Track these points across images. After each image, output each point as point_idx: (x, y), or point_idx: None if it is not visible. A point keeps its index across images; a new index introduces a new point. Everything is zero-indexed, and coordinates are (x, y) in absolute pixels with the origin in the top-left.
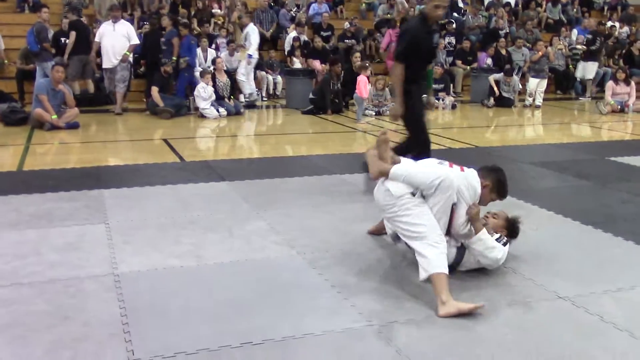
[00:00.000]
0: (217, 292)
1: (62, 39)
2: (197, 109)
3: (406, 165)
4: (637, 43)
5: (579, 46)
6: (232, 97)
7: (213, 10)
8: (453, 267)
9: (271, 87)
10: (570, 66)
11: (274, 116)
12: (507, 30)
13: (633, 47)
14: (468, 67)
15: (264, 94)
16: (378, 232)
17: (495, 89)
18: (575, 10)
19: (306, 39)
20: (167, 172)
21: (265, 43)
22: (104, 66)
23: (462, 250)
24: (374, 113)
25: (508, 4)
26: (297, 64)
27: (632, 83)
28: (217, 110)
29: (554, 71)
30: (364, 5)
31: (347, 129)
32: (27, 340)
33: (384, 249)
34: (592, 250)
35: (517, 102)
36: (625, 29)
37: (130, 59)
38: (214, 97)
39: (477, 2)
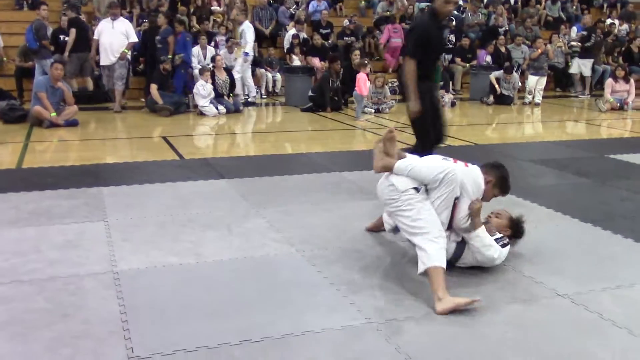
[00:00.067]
0: (216, 290)
1: (61, 37)
2: (196, 106)
3: (411, 160)
4: (636, 40)
5: (572, 43)
6: (231, 94)
7: (212, 8)
8: (452, 262)
9: (270, 85)
10: (570, 63)
11: (273, 114)
12: (507, 28)
13: (632, 45)
14: (467, 65)
15: (263, 92)
16: (376, 228)
17: (497, 86)
18: (574, 7)
19: (305, 36)
20: (166, 169)
21: (265, 40)
22: (101, 63)
23: (462, 245)
24: (373, 111)
25: (507, 1)
26: (297, 61)
27: (632, 80)
28: (216, 108)
29: (553, 69)
30: (363, 2)
31: (347, 127)
32: (26, 337)
33: (383, 246)
34: (591, 247)
35: (516, 100)
36: (625, 26)
37: (129, 56)
38: (213, 94)
39: None
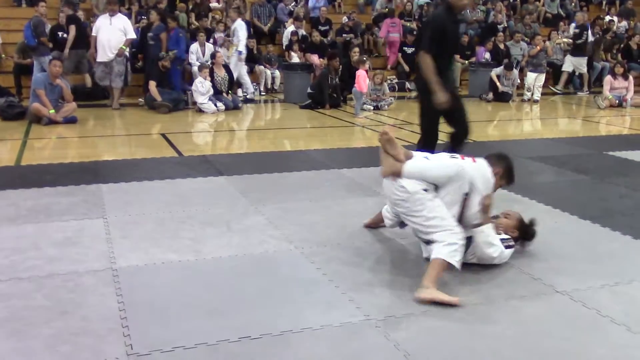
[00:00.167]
0: (215, 287)
1: (60, 33)
2: (195, 103)
3: (419, 162)
4: (635, 37)
5: (564, 40)
6: (230, 91)
7: (211, 5)
8: None
9: (269, 82)
10: None
11: (272, 111)
12: (506, 25)
13: (631, 42)
14: (466, 62)
15: (262, 89)
16: (375, 224)
17: (498, 83)
18: (573, 4)
19: (304, 33)
20: (165, 166)
21: (263, 37)
22: (98, 59)
23: (467, 242)
24: (372, 107)
25: None
26: (295, 58)
27: (630, 77)
28: (215, 105)
29: (552, 66)
30: None
31: (346, 124)
32: (25, 334)
33: (382, 243)
34: (590, 244)
35: (515, 97)
36: (624, 23)
37: (127, 53)
38: (212, 91)
39: None
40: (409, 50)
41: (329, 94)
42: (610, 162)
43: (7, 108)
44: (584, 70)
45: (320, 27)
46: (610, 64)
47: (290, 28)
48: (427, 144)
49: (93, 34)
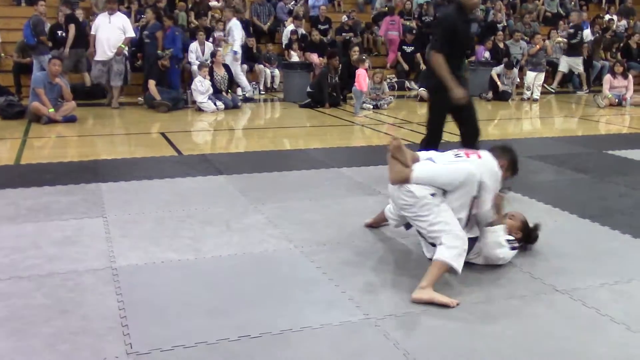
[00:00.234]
0: (215, 286)
1: (59, 32)
2: (194, 102)
3: (427, 167)
4: (634, 36)
5: (559, 39)
6: (229, 90)
7: (210, 4)
8: None
9: (269, 81)
10: None
11: (271, 110)
12: (505, 24)
13: (631, 41)
14: (466, 61)
15: (261, 87)
16: (376, 224)
17: (498, 82)
18: (573, 3)
19: (304, 32)
20: (165, 165)
21: (263, 36)
22: (97, 58)
23: (472, 241)
24: (371, 106)
25: None
26: (295, 57)
27: (630, 76)
28: (215, 104)
29: (551, 65)
30: None
31: (345, 123)
32: (25, 333)
33: (382, 242)
34: (589, 243)
35: (514, 96)
36: (623, 22)
37: (126, 52)
38: (211, 90)
39: None
40: (409, 49)
41: (328, 93)
42: (610, 161)
43: (7, 107)
44: (580, 69)
45: (319, 26)
46: (609, 62)
47: (290, 27)
48: (431, 143)
49: (92, 32)
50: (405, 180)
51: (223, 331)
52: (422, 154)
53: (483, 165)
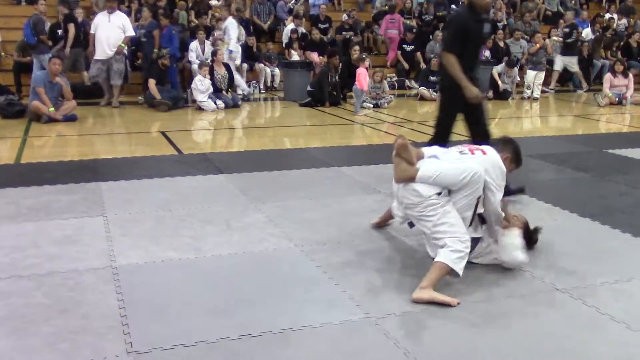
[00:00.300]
0: (215, 285)
1: (59, 31)
2: (194, 101)
3: (432, 166)
4: (635, 35)
5: (555, 38)
6: (229, 89)
7: (211, 2)
8: None
9: (269, 80)
10: None
11: (271, 109)
12: (505, 22)
13: (631, 39)
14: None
15: (261, 86)
16: (383, 223)
17: (499, 81)
18: (573, 2)
19: (304, 31)
20: (165, 164)
21: (263, 35)
22: (96, 57)
23: (475, 241)
24: (372, 105)
25: None
26: (295, 56)
27: (630, 75)
28: (215, 103)
29: (551, 63)
30: None
31: (345, 122)
32: (25, 332)
33: (382, 242)
34: (589, 242)
35: (514, 95)
36: (624, 21)
37: (126, 51)
38: (211, 89)
39: None
40: (409, 48)
41: (328, 92)
42: (610, 159)
43: (7, 106)
44: (576, 68)
45: (320, 25)
46: (610, 61)
47: (290, 26)
48: (438, 143)
49: (91, 31)
50: (411, 179)
51: (223, 330)
52: (427, 151)
53: (488, 162)
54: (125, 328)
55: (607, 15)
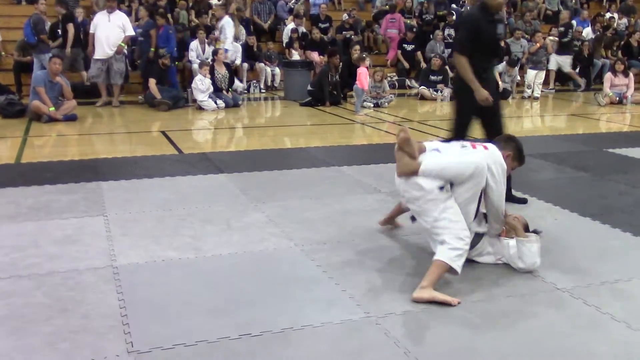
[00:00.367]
0: (215, 284)
1: (59, 31)
2: (195, 101)
3: (435, 159)
4: (635, 34)
5: (551, 37)
6: (230, 89)
7: (211, 2)
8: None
9: (269, 79)
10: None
11: (272, 108)
12: (506, 21)
13: (631, 39)
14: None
15: (262, 86)
16: (390, 220)
17: (499, 80)
18: (574, 1)
19: (304, 30)
20: (165, 164)
21: (264, 35)
22: (95, 57)
23: (477, 239)
24: (372, 105)
25: None
26: (296, 55)
27: (631, 74)
28: (215, 103)
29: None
30: None
31: (346, 121)
32: (25, 332)
33: (382, 241)
34: (590, 241)
35: (515, 94)
36: (624, 20)
37: (126, 50)
38: (211, 89)
39: None
40: (409, 48)
41: (329, 91)
42: (610, 159)
43: (7, 106)
44: (568, 69)
45: (320, 25)
46: (610, 61)
47: (291, 25)
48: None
49: (91, 31)
50: (413, 172)
51: (223, 330)
52: (429, 145)
53: (490, 157)
54: (125, 328)
55: (608, 15)
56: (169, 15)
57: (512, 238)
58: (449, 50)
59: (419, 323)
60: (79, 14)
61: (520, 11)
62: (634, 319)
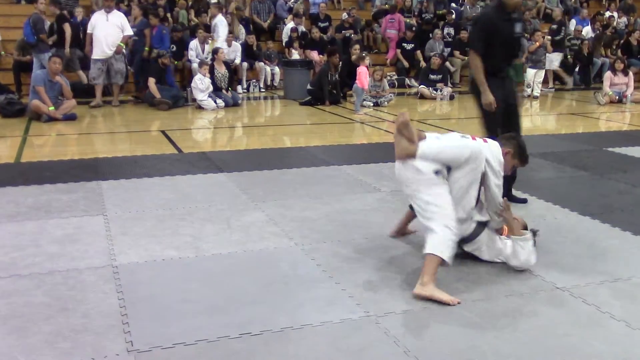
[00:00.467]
0: (215, 283)
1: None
2: (194, 100)
3: (433, 143)
4: (635, 33)
5: (549, 37)
6: (229, 88)
7: (211, 1)
8: (462, 240)
9: (269, 78)
10: (569, 57)
11: (271, 107)
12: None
13: (631, 38)
14: (466, 58)
15: (261, 85)
16: (403, 228)
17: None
18: (573, 0)
19: (304, 29)
20: (165, 163)
21: (263, 34)
22: (94, 57)
23: (479, 229)
24: (372, 104)
25: None
26: (295, 55)
27: (630, 73)
28: (215, 102)
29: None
30: None
31: (345, 120)
32: (25, 331)
33: (382, 240)
34: (589, 241)
35: None
36: (624, 19)
37: (124, 50)
38: (211, 88)
39: None
40: (409, 47)
41: (328, 90)
42: (610, 158)
43: (7, 105)
44: (555, 66)
45: (319, 24)
46: (610, 60)
47: (290, 24)
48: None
49: (89, 31)
50: (411, 155)
51: (223, 329)
52: (429, 134)
53: (488, 150)
54: (125, 327)
55: (607, 14)
56: (169, 15)
57: (509, 238)
58: (449, 49)
59: (419, 322)
60: (79, 13)
61: (519, 10)
62: (634, 318)
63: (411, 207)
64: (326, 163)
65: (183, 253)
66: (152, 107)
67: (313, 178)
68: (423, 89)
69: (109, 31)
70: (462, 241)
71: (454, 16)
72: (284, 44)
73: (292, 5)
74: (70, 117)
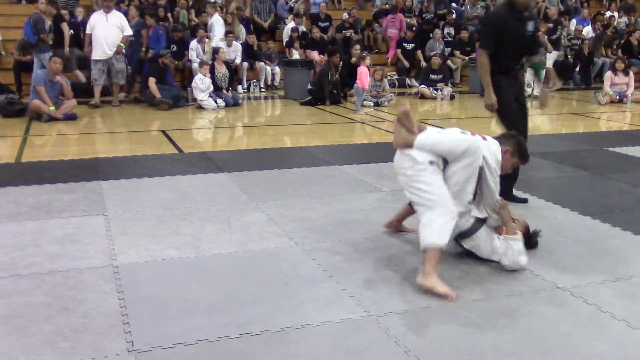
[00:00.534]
0: (215, 283)
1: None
2: (195, 100)
3: (432, 134)
4: (635, 33)
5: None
6: (230, 88)
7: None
8: (462, 235)
9: (269, 78)
10: (569, 56)
11: (272, 107)
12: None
13: (632, 37)
14: (466, 58)
15: (262, 85)
16: (397, 222)
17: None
18: (573, 0)
19: (304, 29)
20: (166, 163)
21: (263, 34)
22: (95, 58)
23: (478, 225)
24: (372, 104)
25: None
26: (296, 54)
27: (631, 73)
28: (215, 102)
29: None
30: None
31: (346, 120)
32: (26, 331)
33: (382, 240)
34: (590, 240)
35: None
36: (624, 18)
37: (124, 50)
38: (211, 88)
39: None
40: (409, 47)
41: (329, 90)
42: (611, 158)
43: (8, 105)
44: (549, 65)
45: (320, 24)
46: (610, 59)
47: (291, 24)
48: None
49: (88, 31)
50: (409, 144)
51: (224, 329)
52: (429, 128)
53: (486, 146)
54: (126, 327)
55: (608, 13)
56: (169, 15)
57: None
58: (449, 49)
59: (419, 322)
60: (79, 13)
61: None
62: (634, 318)
63: (410, 204)
64: (326, 163)
65: (183, 253)
66: (153, 107)
67: (313, 178)
68: (423, 88)
69: (108, 31)
70: (461, 236)
71: (454, 16)
72: (284, 44)
73: (292, 5)
74: (70, 117)
